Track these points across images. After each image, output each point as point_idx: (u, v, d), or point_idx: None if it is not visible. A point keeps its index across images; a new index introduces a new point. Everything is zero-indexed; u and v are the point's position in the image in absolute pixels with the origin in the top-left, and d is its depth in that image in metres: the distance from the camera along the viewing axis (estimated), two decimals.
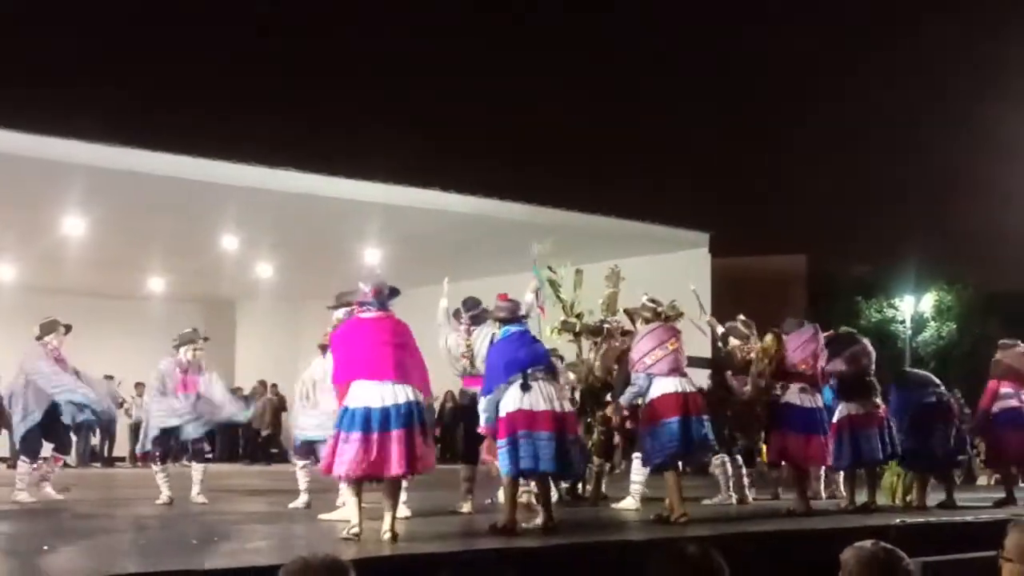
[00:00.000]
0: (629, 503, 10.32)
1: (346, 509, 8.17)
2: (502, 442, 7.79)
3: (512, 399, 7.80)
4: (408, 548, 6.95)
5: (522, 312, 8.45)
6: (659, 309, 9.28)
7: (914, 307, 29.02)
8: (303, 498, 10.29)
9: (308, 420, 10.10)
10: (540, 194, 20.54)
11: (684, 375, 8.87)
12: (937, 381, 11.23)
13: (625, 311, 10.54)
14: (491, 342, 8.75)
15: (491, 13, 45.75)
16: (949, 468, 11.30)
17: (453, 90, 42.98)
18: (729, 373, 10.87)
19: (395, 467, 7.05)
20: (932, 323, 29.77)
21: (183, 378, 10.79)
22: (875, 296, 30.19)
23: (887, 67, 39.26)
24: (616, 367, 10.66)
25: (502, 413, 7.84)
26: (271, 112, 35.58)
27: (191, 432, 10.79)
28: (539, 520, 7.96)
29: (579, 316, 11.75)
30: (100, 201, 16.50)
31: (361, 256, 19.01)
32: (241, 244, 19.25)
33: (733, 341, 11.05)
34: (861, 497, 10.58)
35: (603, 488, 11.34)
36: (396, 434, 7.05)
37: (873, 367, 10.71)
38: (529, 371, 7.86)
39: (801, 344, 10.03)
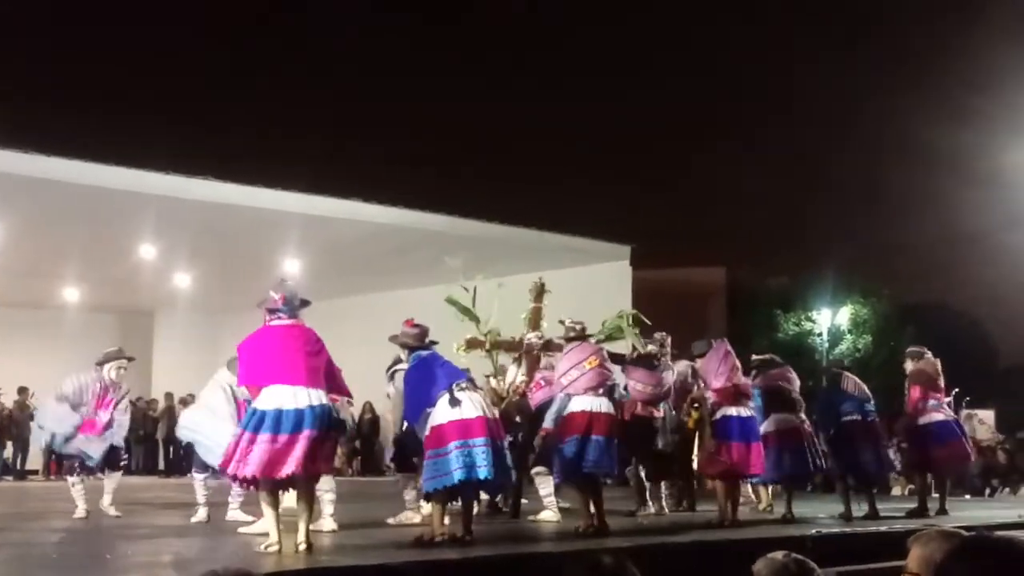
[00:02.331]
0: (548, 515, 10.37)
1: (263, 522, 8.08)
2: (429, 453, 7.66)
3: (441, 413, 7.70)
4: (328, 560, 6.91)
5: (430, 338, 8.38)
6: (579, 327, 9.35)
7: (831, 320, 29.40)
8: (202, 512, 10.16)
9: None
10: (460, 205, 20.51)
11: (601, 394, 8.94)
12: (867, 394, 11.32)
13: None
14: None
15: (411, 16, 45.62)
16: (873, 482, 11.46)
17: (373, 99, 42.80)
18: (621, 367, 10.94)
19: (290, 467, 6.92)
20: (848, 336, 30.14)
21: (103, 397, 10.66)
22: (793, 309, 30.52)
23: (807, 79, 39.85)
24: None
25: (428, 430, 7.74)
26: (188, 119, 35.17)
27: (93, 452, 10.64)
28: (457, 532, 7.87)
29: (488, 333, 11.43)
30: (11, 208, 16.19)
31: (281, 267, 18.84)
32: (159, 254, 18.99)
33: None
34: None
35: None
36: (306, 434, 6.95)
37: (797, 386, 11.19)
38: (452, 385, 7.83)
39: (719, 362, 10.15)
